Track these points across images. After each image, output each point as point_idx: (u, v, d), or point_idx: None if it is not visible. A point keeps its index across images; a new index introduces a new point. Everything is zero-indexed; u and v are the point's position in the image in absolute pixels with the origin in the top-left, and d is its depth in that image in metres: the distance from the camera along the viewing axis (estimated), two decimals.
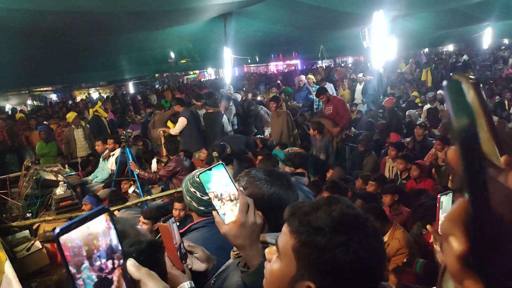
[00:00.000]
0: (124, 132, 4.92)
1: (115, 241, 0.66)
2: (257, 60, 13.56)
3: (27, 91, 22.14)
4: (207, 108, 6.86)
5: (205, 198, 1.51)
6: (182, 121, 6.21)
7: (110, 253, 0.65)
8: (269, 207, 1.11)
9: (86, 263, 0.61)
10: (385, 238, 3.01)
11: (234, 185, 1.04)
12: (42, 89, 23.95)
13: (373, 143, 6.36)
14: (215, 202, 1.01)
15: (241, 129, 8.08)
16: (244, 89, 14.22)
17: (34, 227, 4.30)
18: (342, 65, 19.69)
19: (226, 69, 9.60)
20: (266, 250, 0.88)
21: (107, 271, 0.64)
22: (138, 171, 4.71)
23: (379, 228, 2.12)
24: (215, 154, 5.00)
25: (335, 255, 0.73)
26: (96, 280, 0.62)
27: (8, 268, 2.86)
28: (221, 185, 1.02)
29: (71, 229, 0.60)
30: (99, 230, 0.63)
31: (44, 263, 4.06)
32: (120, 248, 0.66)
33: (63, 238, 0.59)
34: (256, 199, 1.07)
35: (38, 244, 3.98)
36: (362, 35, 8.77)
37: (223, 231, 1.00)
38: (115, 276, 0.66)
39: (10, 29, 9.88)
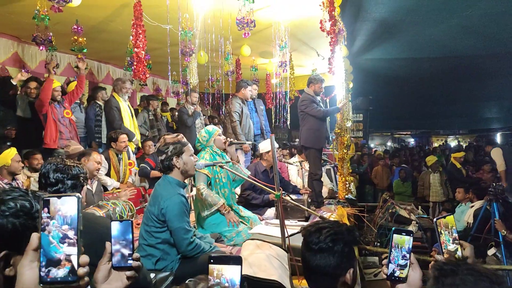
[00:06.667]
0: (494, 185, 4.26)
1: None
2: None
3: (389, 133, 24.45)
4: None
5: None
6: None
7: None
8: None
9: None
10: None
11: None
12: (402, 133, 25.75)
13: None
14: None
15: None
16: None
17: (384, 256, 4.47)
18: None
19: None
20: None
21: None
22: (504, 232, 3.94)
23: None
24: None
25: None
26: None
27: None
28: None
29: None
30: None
31: None
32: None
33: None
34: None
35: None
36: None
37: None
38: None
39: (385, 76, 11.20)
